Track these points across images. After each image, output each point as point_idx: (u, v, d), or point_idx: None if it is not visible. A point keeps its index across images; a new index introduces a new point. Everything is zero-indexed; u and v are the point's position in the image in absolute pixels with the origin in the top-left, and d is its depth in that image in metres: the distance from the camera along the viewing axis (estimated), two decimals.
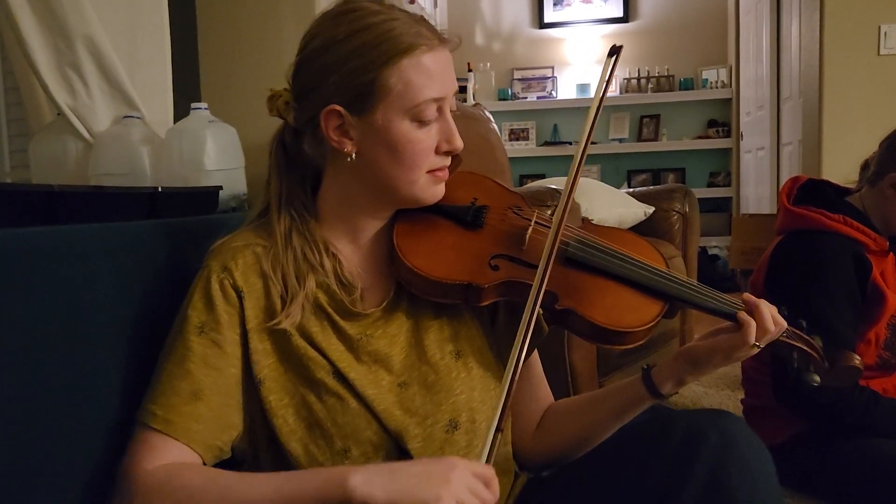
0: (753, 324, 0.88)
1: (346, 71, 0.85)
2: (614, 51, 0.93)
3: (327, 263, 0.90)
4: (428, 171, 0.90)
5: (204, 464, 0.85)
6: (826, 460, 1.50)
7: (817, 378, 0.94)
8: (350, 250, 0.94)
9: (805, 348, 0.94)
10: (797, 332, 0.94)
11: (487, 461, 0.77)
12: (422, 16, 0.89)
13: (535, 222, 0.95)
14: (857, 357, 0.95)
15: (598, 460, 0.90)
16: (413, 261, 0.89)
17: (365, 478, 0.74)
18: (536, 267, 0.86)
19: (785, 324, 0.90)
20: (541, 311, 0.91)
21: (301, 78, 0.90)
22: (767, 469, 0.80)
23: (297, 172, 0.93)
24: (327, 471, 0.78)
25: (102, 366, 0.84)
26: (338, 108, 0.86)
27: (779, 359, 0.96)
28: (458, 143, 0.90)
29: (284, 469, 0.85)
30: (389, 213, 0.94)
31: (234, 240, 0.90)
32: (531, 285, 0.85)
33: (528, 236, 0.93)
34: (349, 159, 0.88)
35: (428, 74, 0.86)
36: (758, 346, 0.89)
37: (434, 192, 0.92)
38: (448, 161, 0.92)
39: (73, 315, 0.80)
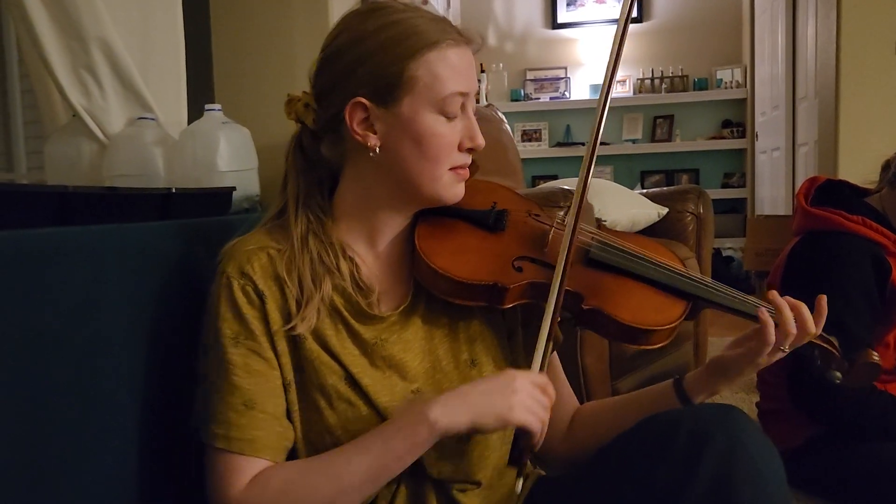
0: (772, 323, 0.88)
1: (373, 63, 0.86)
2: None
3: (344, 266, 0.89)
4: (450, 168, 0.90)
5: None
6: (842, 464, 1.49)
7: (839, 375, 0.94)
8: (367, 253, 0.93)
9: (825, 346, 0.94)
10: None
11: (541, 370, 0.85)
12: (444, 16, 0.91)
13: (555, 227, 0.96)
14: (875, 353, 0.95)
15: (605, 461, 0.89)
16: (437, 262, 0.89)
17: (442, 409, 0.80)
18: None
19: (813, 327, 0.89)
20: (564, 317, 0.91)
21: (325, 74, 0.90)
22: (775, 468, 0.79)
23: (315, 175, 0.94)
24: (405, 416, 0.82)
25: (115, 366, 0.84)
26: (363, 100, 0.86)
27: (800, 357, 0.95)
28: (481, 141, 0.91)
29: None
30: (409, 213, 0.94)
31: (246, 242, 0.90)
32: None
33: (549, 238, 0.94)
34: (372, 154, 0.88)
35: (454, 68, 0.87)
36: (783, 351, 0.88)
37: (456, 191, 0.92)
38: (469, 159, 0.92)
39: (86, 315, 0.80)
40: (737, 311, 0.91)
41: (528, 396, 0.81)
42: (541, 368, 0.85)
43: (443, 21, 0.89)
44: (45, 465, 0.74)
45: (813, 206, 1.58)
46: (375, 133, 0.87)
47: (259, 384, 0.85)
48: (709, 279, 0.95)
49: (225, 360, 0.85)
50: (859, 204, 1.57)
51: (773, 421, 1.61)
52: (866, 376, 0.95)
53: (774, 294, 0.90)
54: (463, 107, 0.89)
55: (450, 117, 0.88)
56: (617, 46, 0.89)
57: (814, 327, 0.89)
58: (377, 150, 0.88)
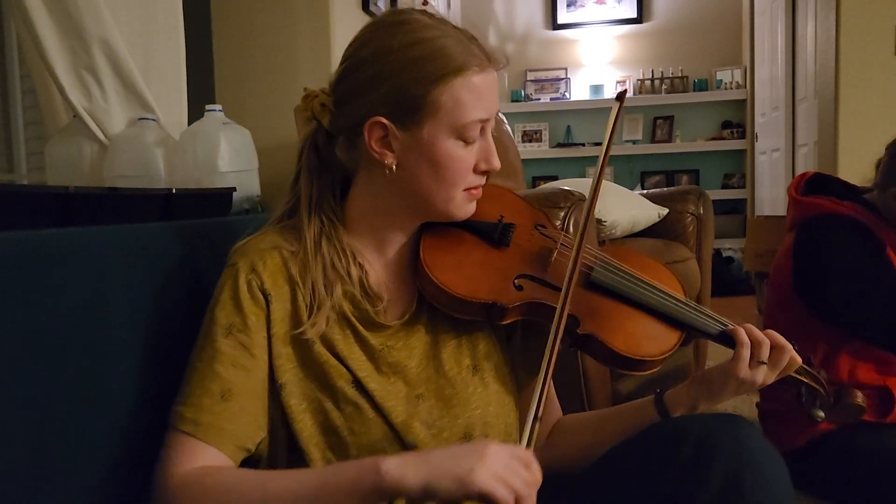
0: (742, 332, 0.90)
1: (397, 83, 0.85)
2: (620, 96, 0.94)
3: (354, 273, 0.89)
4: (464, 189, 0.90)
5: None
6: (842, 464, 1.49)
7: (822, 414, 0.96)
8: (376, 260, 0.93)
9: (812, 384, 0.95)
10: (805, 367, 0.95)
11: (527, 446, 0.77)
12: (472, 34, 0.89)
13: (561, 244, 0.96)
14: (860, 394, 0.96)
15: (611, 468, 0.89)
16: (439, 276, 0.89)
17: (397, 462, 0.75)
18: (559, 289, 0.87)
19: (794, 352, 0.90)
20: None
21: (346, 84, 0.89)
22: (782, 475, 0.79)
23: (328, 177, 0.93)
24: (359, 461, 0.79)
25: (117, 366, 0.85)
26: (383, 120, 0.86)
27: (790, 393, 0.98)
28: (497, 164, 0.90)
29: None
30: (418, 225, 0.94)
31: (260, 241, 0.90)
32: (553, 307, 0.86)
33: (553, 258, 0.94)
34: (388, 172, 0.88)
35: (477, 95, 0.86)
36: (765, 364, 0.89)
37: (467, 209, 0.92)
38: (484, 180, 0.92)
39: (88, 316, 0.80)
40: (728, 343, 0.92)
41: (500, 464, 0.73)
42: (528, 444, 0.77)
43: (470, 41, 0.87)
44: (49, 465, 0.74)
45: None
46: (393, 152, 0.87)
47: (241, 379, 0.84)
48: (706, 308, 0.95)
49: (213, 348, 0.84)
50: (850, 195, 1.58)
51: (775, 422, 1.61)
52: (849, 416, 0.97)
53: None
54: (482, 130, 0.89)
55: (469, 142, 0.87)
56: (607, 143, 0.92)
57: (789, 347, 0.90)
58: (393, 168, 0.87)
